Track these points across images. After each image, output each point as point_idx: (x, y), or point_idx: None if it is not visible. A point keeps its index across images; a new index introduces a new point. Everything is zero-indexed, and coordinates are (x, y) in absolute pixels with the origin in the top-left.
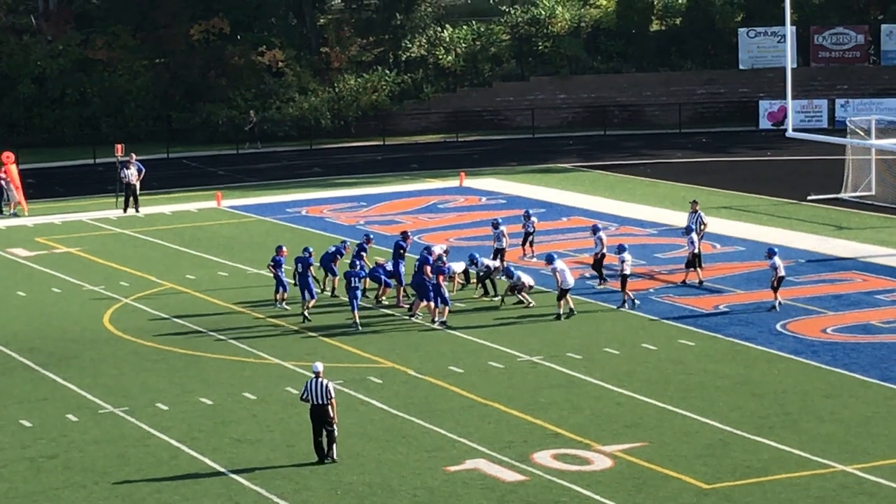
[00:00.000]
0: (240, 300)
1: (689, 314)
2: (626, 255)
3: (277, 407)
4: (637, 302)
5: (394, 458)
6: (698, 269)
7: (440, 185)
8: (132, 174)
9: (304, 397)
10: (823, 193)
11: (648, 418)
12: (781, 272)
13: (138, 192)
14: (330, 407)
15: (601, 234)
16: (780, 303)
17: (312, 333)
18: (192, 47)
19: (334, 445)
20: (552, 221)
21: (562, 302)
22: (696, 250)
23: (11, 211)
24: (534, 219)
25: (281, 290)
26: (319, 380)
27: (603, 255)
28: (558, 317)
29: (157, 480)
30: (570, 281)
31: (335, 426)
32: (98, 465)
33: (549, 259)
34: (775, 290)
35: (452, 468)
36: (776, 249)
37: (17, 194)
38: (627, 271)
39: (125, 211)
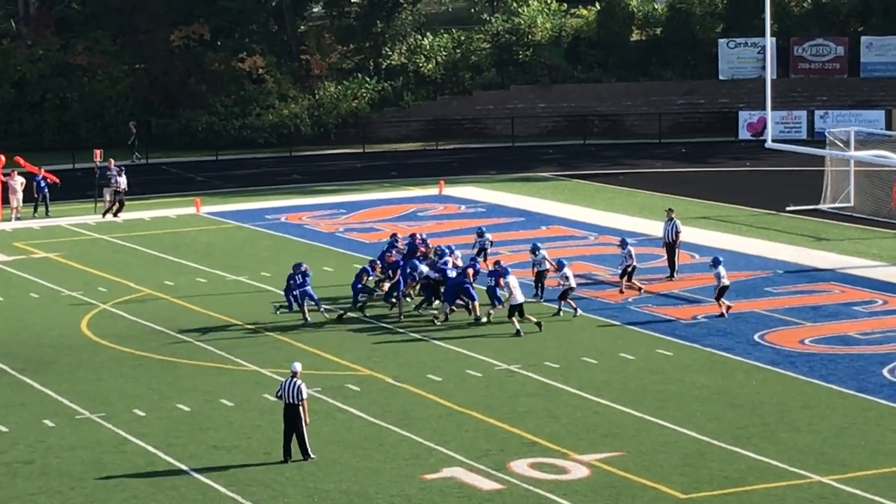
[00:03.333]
0: (218, 307)
1: (667, 324)
2: (568, 271)
3: (255, 414)
4: (578, 312)
5: (371, 466)
6: (634, 281)
7: (420, 192)
8: (123, 181)
9: (278, 394)
10: (802, 204)
11: (626, 428)
12: (725, 282)
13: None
14: (301, 408)
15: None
16: (726, 310)
17: (291, 340)
18: (172, 53)
19: (305, 444)
20: (531, 230)
21: (514, 319)
22: (634, 263)
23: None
24: (488, 235)
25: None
26: (294, 380)
27: (633, 268)
28: (518, 333)
29: (134, 486)
30: (520, 297)
31: (304, 427)
32: (75, 471)
33: (560, 265)
34: (717, 299)
35: (429, 476)
36: (721, 259)
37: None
38: (573, 284)
39: (111, 216)
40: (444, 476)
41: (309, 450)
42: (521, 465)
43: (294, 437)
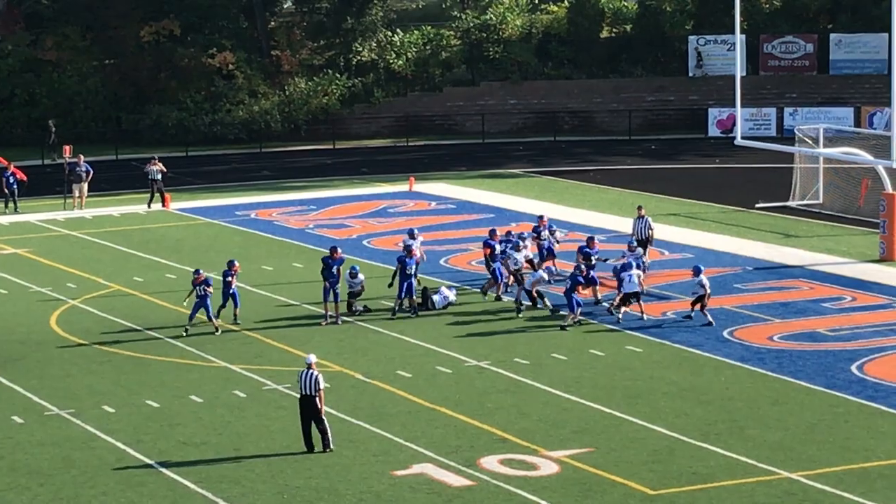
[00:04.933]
0: (188, 303)
1: (636, 321)
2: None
3: (224, 410)
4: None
5: (340, 463)
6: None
7: (390, 189)
8: (83, 172)
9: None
10: (771, 201)
11: (595, 424)
12: (706, 291)
13: (85, 193)
14: (318, 398)
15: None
16: (692, 314)
17: (261, 337)
18: (142, 49)
19: (328, 436)
20: (500, 227)
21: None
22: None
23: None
24: (419, 237)
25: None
26: (310, 371)
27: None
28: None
29: (103, 483)
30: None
31: (324, 417)
32: (43, 468)
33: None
34: (695, 304)
35: (399, 473)
36: (702, 268)
37: None
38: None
39: (69, 209)
40: (413, 472)
41: (330, 442)
42: (490, 462)
43: (315, 428)
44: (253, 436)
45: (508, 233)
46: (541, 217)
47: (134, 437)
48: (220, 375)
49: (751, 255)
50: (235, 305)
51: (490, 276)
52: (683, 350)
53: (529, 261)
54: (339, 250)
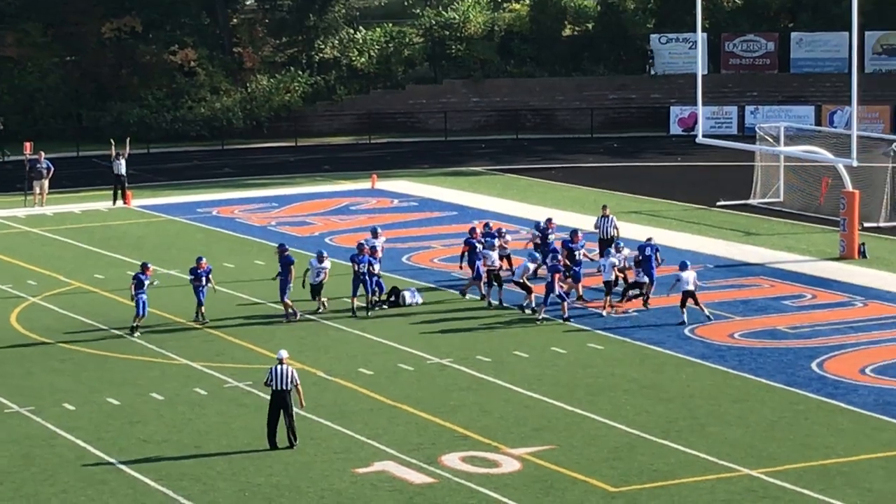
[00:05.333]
0: (149, 300)
1: (598, 318)
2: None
3: (185, 408)
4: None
5: (302, 460)
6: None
7: (352, 186)
8: (44, 169)
9: (267, 382)
10: (732, 199)
11: (557, 421)
12: (685, 286)
13: (46, 190)
14: (296, 392)
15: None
16: (686, 313)
17: (222, 335)
18: (103, 45)
19: (295, 431)
20: (464, 224)
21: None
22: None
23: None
24: (382, 237)
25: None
26: (283, 366)
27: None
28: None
29: (64, 480)
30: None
31: (294, 413)
32: (3, 465)
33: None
34: (684, 303)
35: (361, 470)
36: (688, 263)
37: None
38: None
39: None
40: (375, 470)
41: (296, 437)
42: (452, 459)
43: (282, 424)
44: (214, 433)
45: (486, 224)
46: (549, 220)
47: (95, 435)
48: (182, 373)
49: (712, 253)
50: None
51: (470, 278)
52: (645, 347)
53: (507, 257)
54: (286, 247)
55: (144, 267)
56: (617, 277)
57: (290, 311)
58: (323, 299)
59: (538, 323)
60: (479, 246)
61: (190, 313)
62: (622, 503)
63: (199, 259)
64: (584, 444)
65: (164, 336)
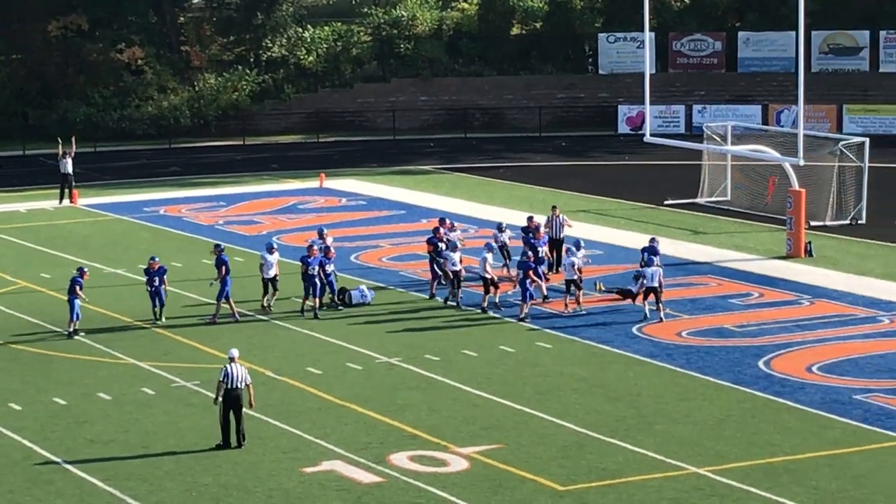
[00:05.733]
0: (96, 300)
1: (546, 317)
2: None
3: (132, 408)
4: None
5: (250, 460)
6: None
7: (300, 185)
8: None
9: (222, 380)
10: (680, 198)
11: (505, 420)
12: (650, 283)
13: None
14: (247, 390)
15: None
16: (648, 311)
17: (169, 334)
18: (49, 43)
19: (243, 430)
20: (411, 223)
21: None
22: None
23: None
24: (330, 238)
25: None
26: (236, 364)
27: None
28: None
29: (10, 481)
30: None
31: (244, 412)
32: None
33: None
34: (646, 297)
35: (309, 469)
36: (654, 259)
37: None
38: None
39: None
40: (323, 469)
41: (245, 437)
42: (400, 458)
43: (234, 422)
44: (161, 433)
45: (442, 220)
46: (530, 218)
47: (41, 435)
48: (129, 373)
49: (660, 252)
50: (157, 304)
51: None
52: (593, 346)
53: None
54: (222, 247)
55: (81, 271)
56: (580, 277)
57: (215, 315)
58: (268, 303)
59: (519, 321)
60: (442, 246)
61: (137, 312)
62: (570, 502)
63: (152, 259)
64: (533, 442)
65: (110, 335)
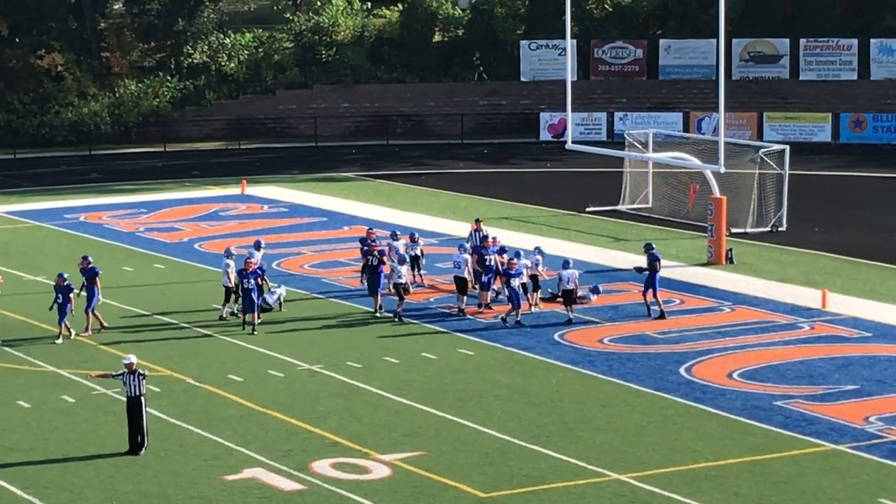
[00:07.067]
0: (15, 307)
1: (467, 324)
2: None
3: (52, 415)
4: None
5: (171, 468)
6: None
7: (221, 192)
8: None
9: (123, 380)
10: (602, 205)
11: (427, 427)
12: (566, 286)
13: None
14: (142, 399)
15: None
16: (572, 311)
17: (89, 341)
18: None
19: (144, 438)
20: (333, 230)
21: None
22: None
23: None
24: (263, 250)
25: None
26: (133, 371)
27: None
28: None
29: None
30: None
31: (143, 419)
32: None
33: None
34: (567, 302)
35: (230, 477)
36: (570, 262)
37: None
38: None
39: None
40: (244, 477)
41: (146, 442)
42: (322, 466)
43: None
44: (81, 441)
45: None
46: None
47: None
48: (49, 380)
49: (581, 259)
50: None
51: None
52: (515, 353)
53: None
54: (89, 259)
55: None
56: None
57: (87, 327)
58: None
59: (504, 322)
60: (394, 255)
61: (56, 320)
62: None
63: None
64: (455, 449)
65: (30, 343)
